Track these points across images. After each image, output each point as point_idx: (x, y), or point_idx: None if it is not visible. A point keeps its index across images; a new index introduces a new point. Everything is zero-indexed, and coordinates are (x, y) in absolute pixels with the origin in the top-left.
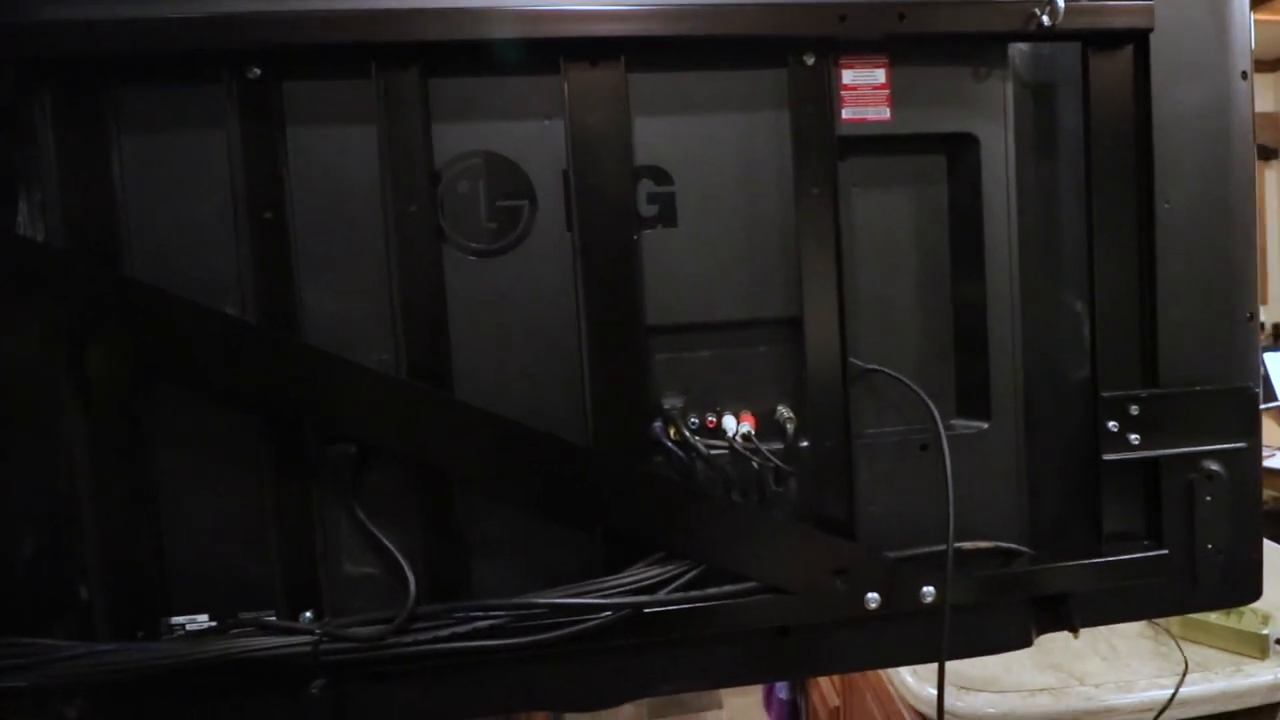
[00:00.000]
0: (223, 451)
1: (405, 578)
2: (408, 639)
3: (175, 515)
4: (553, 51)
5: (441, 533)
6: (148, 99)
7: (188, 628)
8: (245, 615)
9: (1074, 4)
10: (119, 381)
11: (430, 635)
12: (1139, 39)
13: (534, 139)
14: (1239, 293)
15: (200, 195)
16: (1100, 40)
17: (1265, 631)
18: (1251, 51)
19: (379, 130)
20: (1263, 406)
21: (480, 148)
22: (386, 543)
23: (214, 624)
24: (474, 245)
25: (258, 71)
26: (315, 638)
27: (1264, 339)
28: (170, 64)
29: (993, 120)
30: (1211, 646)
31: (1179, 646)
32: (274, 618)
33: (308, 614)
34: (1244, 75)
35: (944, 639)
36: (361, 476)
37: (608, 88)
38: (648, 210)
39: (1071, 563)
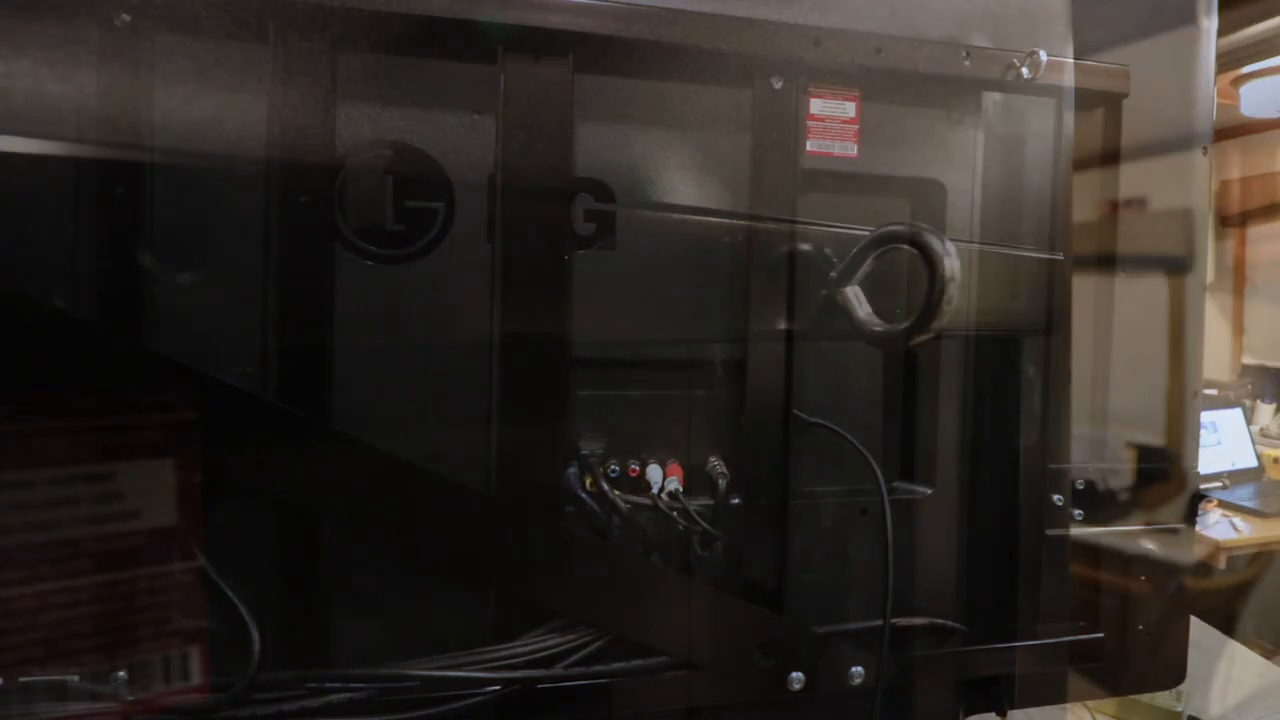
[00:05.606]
0: (20, 460)
1: (249, 635)
2: (245, 712)
3: None
4: (491, 38)
5: (298, 584)
6: None
7: None
8: (37, 673)
9: (1053, 60)
10: None
11: (274, 709)
12: (1113, 103)
13: (458, 135)
14: (1187, 368)
15: (33, 154)
16: (1075, 99)
17: (1179, 708)
18: (1212, 127)
19: (271, 103)
20: None
21: (393, 137)
22: (228, 591)
23: None
24: (374, 249)
25: (127, 18)
26: (127, 705)
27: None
28: None
29: (962, 169)
30: None
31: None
32: (76, 678)
33: (121, 674)
34: (1204, 151)
35: None
36: (204, 511)
37: (550, 86)
38: (584, 229)
39: (1007, 645)
